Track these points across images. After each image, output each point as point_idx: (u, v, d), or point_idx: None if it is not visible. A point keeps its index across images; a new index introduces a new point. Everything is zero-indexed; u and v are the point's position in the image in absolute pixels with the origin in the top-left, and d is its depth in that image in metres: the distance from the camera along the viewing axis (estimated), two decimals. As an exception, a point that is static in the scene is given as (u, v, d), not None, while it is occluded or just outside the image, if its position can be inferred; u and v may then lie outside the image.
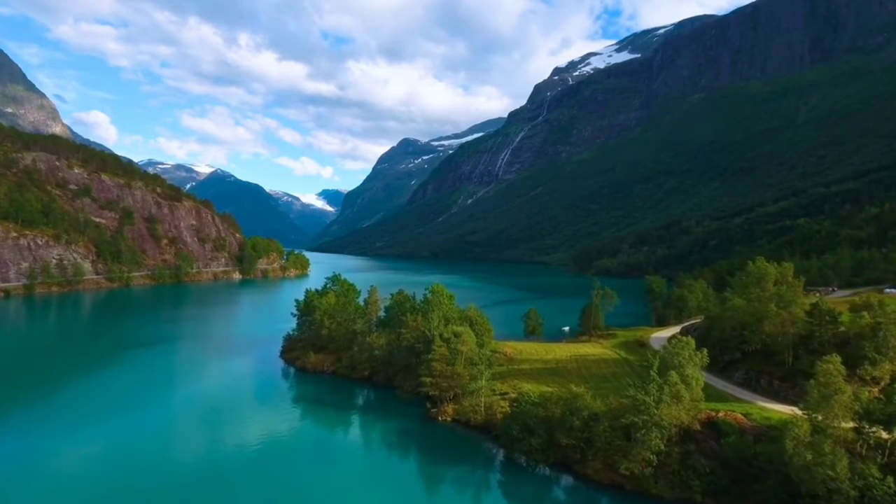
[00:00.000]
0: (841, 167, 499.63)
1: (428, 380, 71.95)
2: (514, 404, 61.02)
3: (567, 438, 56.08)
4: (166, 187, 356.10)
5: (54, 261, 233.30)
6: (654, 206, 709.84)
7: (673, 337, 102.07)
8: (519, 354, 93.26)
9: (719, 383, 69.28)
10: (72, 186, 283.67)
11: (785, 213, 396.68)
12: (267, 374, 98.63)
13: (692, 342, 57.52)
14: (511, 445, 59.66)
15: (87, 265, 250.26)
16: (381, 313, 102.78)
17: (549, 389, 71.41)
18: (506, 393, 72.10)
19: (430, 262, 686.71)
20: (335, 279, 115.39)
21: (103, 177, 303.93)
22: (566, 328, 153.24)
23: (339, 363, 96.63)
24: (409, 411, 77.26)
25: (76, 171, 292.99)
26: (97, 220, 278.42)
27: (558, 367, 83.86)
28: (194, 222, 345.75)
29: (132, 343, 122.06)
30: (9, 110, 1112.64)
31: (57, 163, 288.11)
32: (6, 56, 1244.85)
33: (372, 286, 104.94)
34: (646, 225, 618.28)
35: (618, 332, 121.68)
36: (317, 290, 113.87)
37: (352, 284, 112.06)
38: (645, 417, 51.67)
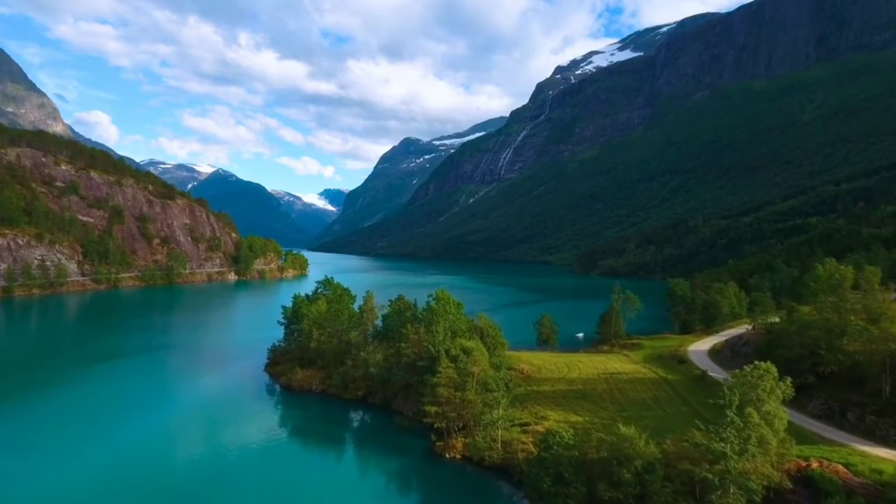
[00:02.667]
0: (848, 165, 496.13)
1: (432, 409, 59.20)
2: (542, 445, 48.38)
3: (613, 493, 43.69)
4: (159, 185, 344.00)
5: (36, 261, 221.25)
6: (659, 205, 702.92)
7: (713, 350, 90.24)
8: (537, 371, 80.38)
9: (792, 415, 56.40)
10: (58, 184, 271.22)
11: (795, 211, 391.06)
12: (247, 392, 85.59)
13: (773, 369, 45.25)
14: (540, 498, 46.97)
15: (72, 266, 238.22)
16: (378, 322, 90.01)
17: (580, 419, 59.25)
18: (527, 424, 59.55)
19: (431, 262, 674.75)
20: (327, 282, 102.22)
21: (92, 174, 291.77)
22: (580, 335, 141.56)
23: (330, 381, 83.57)
24: (409, 444, 64.39)
25: (63, 167, 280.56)
26: (84, 219, 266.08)
27: (586, 388, 71.22)
28: (188, 221, 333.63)
29: (103, 354, 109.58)
30: (9, 110, 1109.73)
31: (43, 159, 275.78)
32: (6, 55, 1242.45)
33: (368, 292, 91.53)
34: (650, 224, 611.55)
35: (643, 341, 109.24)
36: (307, 296, 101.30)
37: (346, 289, 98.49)
38: (721, 469, 39.47)
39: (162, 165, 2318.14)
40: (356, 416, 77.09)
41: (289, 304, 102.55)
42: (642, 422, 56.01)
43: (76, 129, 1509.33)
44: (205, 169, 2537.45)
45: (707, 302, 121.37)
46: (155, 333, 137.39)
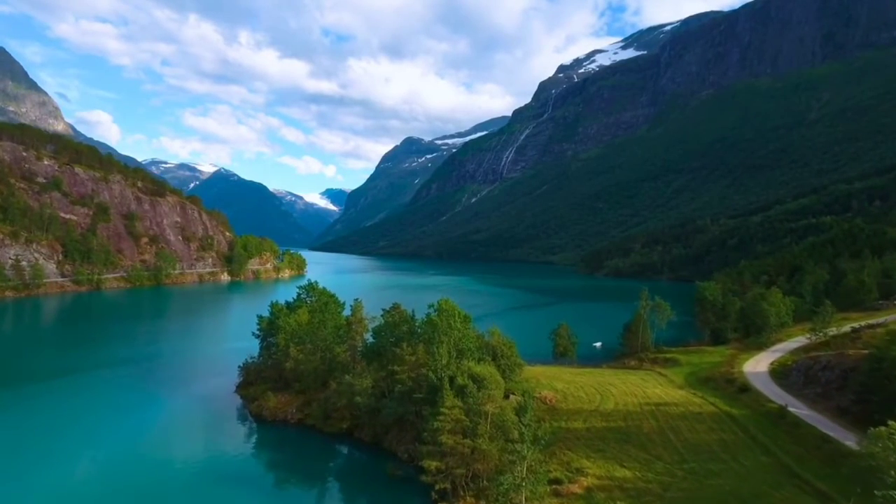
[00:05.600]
0: (858, 164, 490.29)
1: (433, 464, 44.25)
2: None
3: None
4: (148, 181, 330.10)
5: (10, 261, 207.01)
6: (663, 204, 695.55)
7: (775, 371, 75.36)
8: (563, 400, 65.17)
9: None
10: (40, 179, 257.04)
11: (807, 210, 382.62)
12: (210, 421, 70.47)
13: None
14: None
15: (50, 266, 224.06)
16: (369, 336, 74.57)
17: (629, 474, 44.84)
18: (558, 481, 44.68)
19: (433, 262, 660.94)
20: (311, 288, 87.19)
21: (77, 169, 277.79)
22: (598, 344, 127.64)
23: (309, 409, 68.54)
24: (404, 502, 49.85)
25: (46, 162, 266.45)
26: (67, 216, 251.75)
27: (629, 426, 56.27)
28: (178, 219, 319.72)
29: (54, 369, 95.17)
30: (10, 108, 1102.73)
31: (24, 154, 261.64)
32: (7, 54, 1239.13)
33: (356, 300, 75.58)
34: (654, 224, 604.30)
35: (676, 355, 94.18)
36: (287, 303, 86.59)
37: (332, 295, 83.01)
38: None
39: (164, 165, 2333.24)
40: (338, 458, 61.75)
41: (274, 310, 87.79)
42: (714, 479, 41.83)
43: (78, 128, 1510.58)
44: (207, 168, 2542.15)
45: (747, 309, 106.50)
46: (122, 343, 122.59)
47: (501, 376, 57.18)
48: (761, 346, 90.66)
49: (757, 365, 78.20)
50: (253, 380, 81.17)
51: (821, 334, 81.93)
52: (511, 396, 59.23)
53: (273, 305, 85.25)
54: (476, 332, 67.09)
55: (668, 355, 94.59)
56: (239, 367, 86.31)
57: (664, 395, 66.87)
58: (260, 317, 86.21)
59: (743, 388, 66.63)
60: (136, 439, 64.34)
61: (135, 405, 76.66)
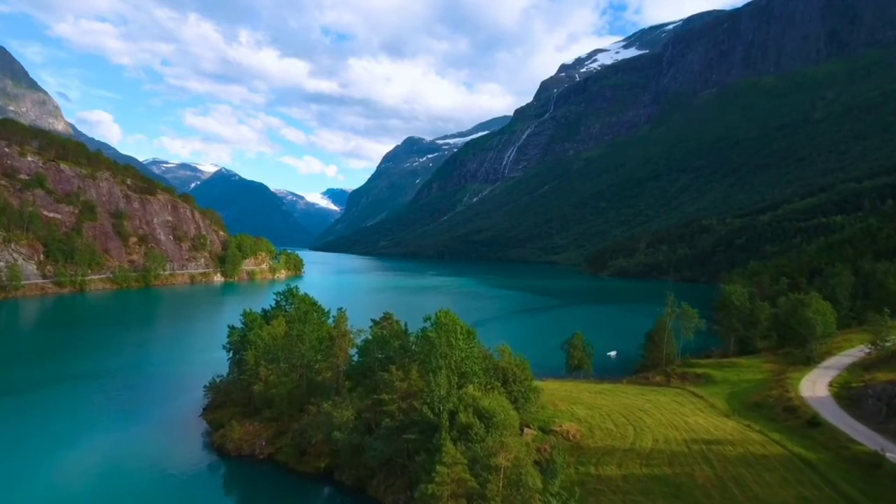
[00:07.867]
0: (865, 163, 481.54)
1: (429, 543, 33.61)
2: None
3: None
4: (138, 179, 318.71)
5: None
6: (667, 203, 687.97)
7: (839, 395, 63.70)
8: (589, 434, 52.51)
9: None
10: (22, 176, 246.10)
11: (816, 210, 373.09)
12: (165, 454, 57.84)
13: None
14: None
15: (30, 267, 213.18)
16: (354, 353, 62.52)
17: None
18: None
19: (434, 262, 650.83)
20: (290, 294, 75.20)
21: (62, 166, 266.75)
22: (612, 353, 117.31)
23: (281, 441, 56.83)
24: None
25: (29, 158, 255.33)
26: (50, 214, 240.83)
27: (676, 473, 44.16)
28: (170, 218, 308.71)
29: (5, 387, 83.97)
30: (10, 108, 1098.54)
31: (7, 149, 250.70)
32: (8, 53, 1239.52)
33: (340, 310, 63.85)
34: (658, 224, 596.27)
35: (708, 370, 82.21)
36: (264, 311, 74.98)
37: (314, 303, 70.49)
38: None
39: (165, 164, 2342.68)
40: (313, 506, 50.64)
41: (247, 319, 76.05)
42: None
43: (79, 127, 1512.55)
44: (208, 168, 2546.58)
45: (784, 317, 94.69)
46: (90, 353, 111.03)
47: (514, 406, 46.15)
48: (808, 361, 78.87)
49: (814, 386, 65.85)
50: (221, 402, 69.14)
51: (881, 347, 70.83)
52: (526, 430, 48.25)
53: (246, 314, 73.38)
54: (482, 350, 55.30)
55: (698, 370, 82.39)
56: (204, 386, 74.50)
57: (711, 428, 54.69)
58: (231, 327, 74.29)
59: (813, 422, 54.14)
60: (72, 477, 53.27)
61: (82, 432, 65.27)
